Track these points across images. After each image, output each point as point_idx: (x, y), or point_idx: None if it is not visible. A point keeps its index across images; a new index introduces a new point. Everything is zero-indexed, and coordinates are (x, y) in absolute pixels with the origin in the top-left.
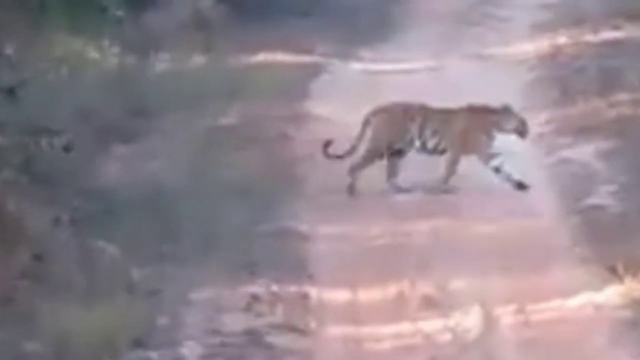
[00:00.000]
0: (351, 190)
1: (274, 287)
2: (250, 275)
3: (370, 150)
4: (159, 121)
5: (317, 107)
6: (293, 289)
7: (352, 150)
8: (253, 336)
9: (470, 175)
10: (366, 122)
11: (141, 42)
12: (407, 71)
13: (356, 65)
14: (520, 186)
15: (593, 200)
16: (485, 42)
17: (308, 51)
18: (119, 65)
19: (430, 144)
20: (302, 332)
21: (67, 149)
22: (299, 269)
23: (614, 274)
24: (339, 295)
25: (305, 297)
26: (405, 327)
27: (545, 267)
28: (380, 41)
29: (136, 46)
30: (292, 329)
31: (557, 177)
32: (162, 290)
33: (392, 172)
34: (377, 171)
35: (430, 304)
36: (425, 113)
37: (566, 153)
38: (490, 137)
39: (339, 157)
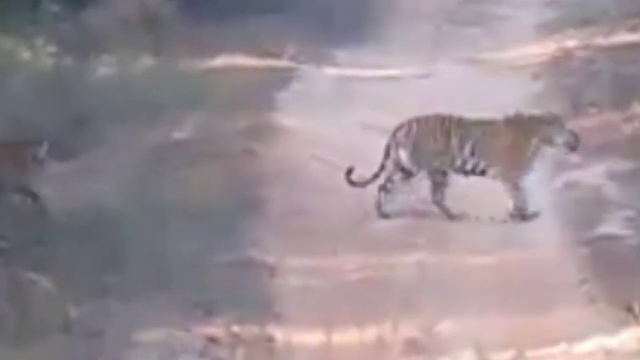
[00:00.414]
0: (382, 214)
1: (235, 328)
2: (207, 314)
3: (405, 169)
4: (101, 134)
5: (285, 118)
6: (256, 330)
7: (380, 173)
8: None
9: (460, 199)
10: (393, 139)
11: (80, 42)
12: (389, 78)
13: (330, 71)
14: (527, 217)
15: (605, 229)
16: (481, 45)
17: (275, 54)
18: (55, 68)
19: (470, 164)
20: None
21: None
22: (263, 306)
23: (630, 314)
24: (310, 338)
25: (270, 339)
26: None
27: (549, 307)
28: (358, 43)
29: (75, 46)
30: None
31: (563, 201)
32: (103, 330)
33: (437, 195)
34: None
35: (415, 349)
36: (463, 126)
37: (575, 174)
38: (537, 154)
39: (365, 184)
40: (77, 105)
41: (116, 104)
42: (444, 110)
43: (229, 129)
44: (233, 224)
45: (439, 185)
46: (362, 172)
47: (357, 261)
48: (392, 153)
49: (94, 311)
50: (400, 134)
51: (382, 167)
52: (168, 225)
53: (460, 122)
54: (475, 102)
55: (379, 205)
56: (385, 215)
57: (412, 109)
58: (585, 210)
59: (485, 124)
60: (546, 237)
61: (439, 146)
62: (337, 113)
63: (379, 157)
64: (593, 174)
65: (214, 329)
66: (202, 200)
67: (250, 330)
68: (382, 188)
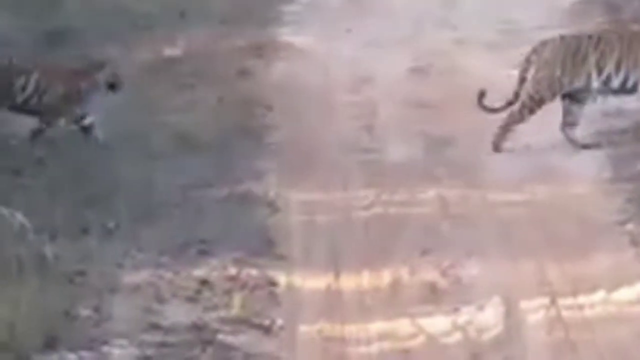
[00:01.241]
0: (496, 147)
1: (231, 270)
2: (200, 254)
3: (532, 96)
4: (83, 50)
5: (291, 35)
6: (255, 272)
7: (515, 99)
8: (202, 333)
9: (483, 128)
10: (527, 62)
11: None
12: None
13: None
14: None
15: None
16: None
17: None
18: None
19: (616, 81)
20: (266, 330)
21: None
22: (263, 246)
23: None
24: (317, 282)
25: (271, 283)
26: (402, 325)
27: (585, 249)
28: None
29: None
30: (254, 325)
31: (604, 131)
32: (83, 272)
33: (568, 121)
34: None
35: (435, 296)
36: (604, 41)
37: (616, 100)
38: None
39: (497, 110)
40: (57, 18)
41: (100, 17)
42: (463, 27)
43: (227, 46)
44: (229, 154)
45: (570, 111)
46: (374, 94)
47: (369, 196)
48: (523, 76)
49: (73, 250)
50: (533, 55)
51: (516, 95)
52: (156, 156)
53: (602, 36)
54: (501, 18)
55: (496, 146)
56: (497, 148)
57: (431, 25)
58: (629, 142)
59: (631, 35)
60: (584, 171)
61: (572, 64)
62: (350, 29)
63: (395, 77)
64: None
65: (208, 271)
66: (196, 127)
67: (249, 272)
68: (508, 121)
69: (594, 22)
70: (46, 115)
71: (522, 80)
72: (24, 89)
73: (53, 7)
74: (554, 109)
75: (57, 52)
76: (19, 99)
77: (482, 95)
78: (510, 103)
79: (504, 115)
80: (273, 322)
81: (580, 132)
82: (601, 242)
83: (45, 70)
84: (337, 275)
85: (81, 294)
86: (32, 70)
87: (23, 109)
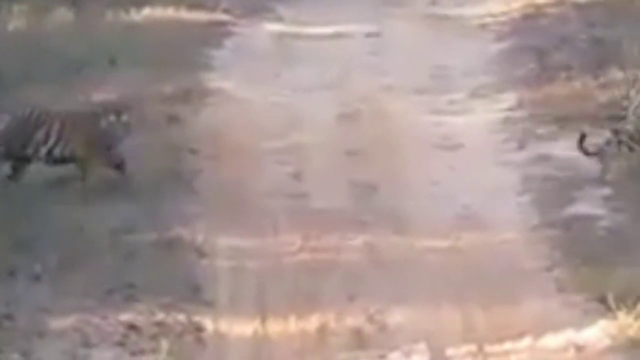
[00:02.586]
0: (602, 179)
1: (159, 316)
2: (127, 300)
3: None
4: (11, 96)
5: (219, 80)
6: (183, 318)
7: (621, 138)
8: None
9: (408, 174)
10: (635, 82)
11: None
12: (336, 36)
13: (271, 27)
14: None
15: (578, 208)
16: None
17: (209, 7)
18: None
19: None
20: None
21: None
22: (191, 292)
23: (602, 305)
24: (244, 328)
25: (198, 329)
26: None
27: (512, 296)
28: None
29: None
30: None
31: (530, 177)
32: (10, 316)
33: None
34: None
35: (362, 342)
36: None
37: (544, 146)
38: None
39: (596, 154)
40: None
41: (28, 61)
42: (394, 72)
43: (155, 92)
44: (157, 199)
45: None
46: (302, 140)
47: (297, 242)
48: (632, 98)
49: (0, 293)
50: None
51: (616, 132)
52: (85, 199)
53: None
54: (430, 64)
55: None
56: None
57: (360, 71)
58: (556, 187)
59: None
60: (510, 217)
61: None
62: (276, 74)
63: (323, 123)
64: (564, 146)
65: (135, 316)
66: (125, 172)
67: (176, 318)
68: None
69: (524, 69)
70: (78, 163)
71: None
72: (45, 141)
73: None
74: (480, 152)
75: None
76: (42, 150)
77: (583, 138)
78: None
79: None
80: None
81: (508, 177)
82: (527, 289)
83: (65, 119)
84: (264, 320)
85: (9, 338)
86: (53, 121)
87: (52, 159)
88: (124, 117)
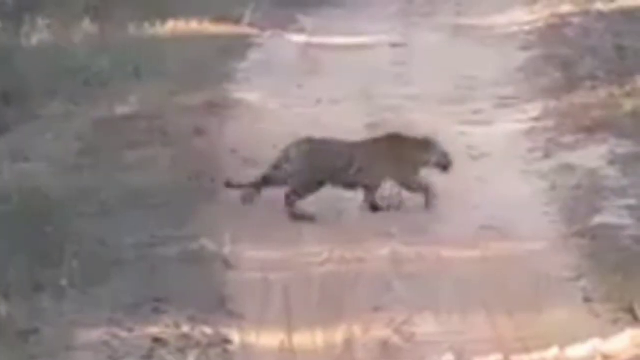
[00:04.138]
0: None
1: (185, 328)
2: (153, 312)
3: None
4: (34, 109)
5: (243, 92)
6: (209, 330)
7: None
8: None
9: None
10: None
11: (12, 4)
12: (361, 46)
13: (295, 38)
14: None
15: (604, 218)
16: (464, 9)
17: (233, 19)
18: None
19: None
20: None
21: None
22: (217, 304)
23: (629, 315)
24: (270, 340)
25: (225, 341)
26: None
27: (538, 306)
28: (327, 6)
29: (6, 9)
30: None
31: (556, 188)
32: (37, 330)
33: None
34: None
35: (388, 353)
36: None
37: (569, 157)
38: None
39: None
40: (7, 77)
41: (52, 74)
42: (420, 83)
43: (179, 104)
44: (184, 211)
45: None
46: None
47: (323, 253)
48: None
49: (26, 308)
50: None
51: None
52: (110, 213)
53: None
54: (455, 74)
55: None
56: None
57: (385, 81)
58: (582, 197)
59: None
60: (537, 227)
61: None
62: (301, 86)
63: (349, 134)
64: (591, 156)
65: (162, 329)
66: (149, 184)
67: (203, 330)
68: None
69: (549, 78)
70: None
71: None
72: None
73: (5, 64)
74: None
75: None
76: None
77: None
78: None
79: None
80: None
81: (534, 187)
82: (554, 299)
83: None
84: (290, 333)
85: (35, 353)
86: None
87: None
88: None
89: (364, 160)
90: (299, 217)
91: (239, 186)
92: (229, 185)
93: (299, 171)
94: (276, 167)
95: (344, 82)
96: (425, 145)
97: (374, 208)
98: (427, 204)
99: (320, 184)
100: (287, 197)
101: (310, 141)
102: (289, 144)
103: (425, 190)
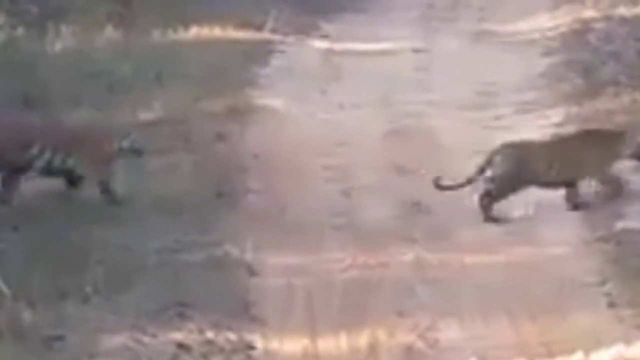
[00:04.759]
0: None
1: (209, 334)
2: (177, 318)
3: None
4: (59, 115)
5: (266, 98)
6: (233, 336)
7: None
8: None
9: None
10: None
11: (37, 12)
12: (383, 53)
13: (318, 44)
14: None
15: (627, 223)
16: (487, 15)
17: (255, 26)
18: (8, 41)
19: None
20: None
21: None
22: (241, 310)
23: None
24: (294, 345)
25: (249, 347)
26: None
27: (562, 311)
28: (349, 12)
29: (30, 17)
30: None
31: (580, 194)
32: (62, 336)
33: None
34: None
35: (413, 357)
36: None
37: None
38: None
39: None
40: (33, 83)
41: (76, 81)
42: (442, 89)
43: (202, 110)
44: (207, 217)
45: None
46: (350, 156)
47: (346, 258)
48: None
49: (50, 315)
50: None
51: None
52: (134, 219)
53: None
54: (476, 80)
55: None
56: None
57: (407, 87)
58: (604, 202)
59: None
60: (561, 233)
61: None
62: (323, 91)
63: (371, 140)
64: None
65: (185, 335)
66: (173, 190)
67: (227, 336)
68: None
69: (571, 84)
70: (73, 179)
71: None
72: (41, 152)
73: (29, 70)
74: None
75: (34, 115)
76: (39, 162)
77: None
78: None
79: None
80: None
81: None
82: (578, 303)
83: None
84: (314, 338)
85: (59, 358)
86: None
87: (48, 172)
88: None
89: (563, 159)
90: (491, 219)
91: (449, 187)
92: (438, 186)
93: (499, 175)
94: (481, 170)
95: (366, 87)
96: (620, 136)
97: (576, 206)
98: (615, 196)
99: (520, 186)
100: (481, 199)
101: (513, 146)
102: (494, 149)
103: (616, 182)
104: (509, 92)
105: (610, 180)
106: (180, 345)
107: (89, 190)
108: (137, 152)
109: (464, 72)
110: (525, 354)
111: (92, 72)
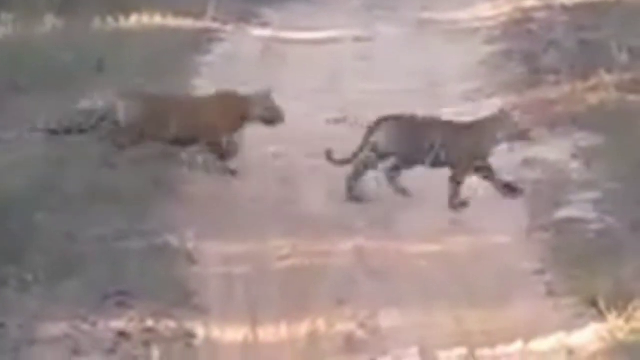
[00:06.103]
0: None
1: (149, 322)
2: (118, 306)
3: None
4: None
5: (207, 86)
6: (174, 325)
7: None
8: None
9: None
10: None
11: None
12: (325, 41)
13: (258, 32)
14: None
15: (568, 212)
16: (429, 3)
17: (196, 13)
18: None
19: None
20: None
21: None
22: (181, 298)
23: (593, 308)
24: (234, 334)
25: (189, 335)
26: None
27: (503, 300)
28: (291, 1)
29: None
30: None
31: (519, 181)
32: (3, 324)
33: None
34: (280, 170)
35: (353, 347)
36: None
37: (534, 150)
38: None
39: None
40: None
41: (15, 70)
42: (384, 77)
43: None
44: (146, 205)
45: None
46: (293, 144)
47: (286, 247)
48: None
49: None
50: None
51: None
52: (73, 208)
53: None
54: (419, 68)
55: None
56: None
57: (350, 76)
58: (546, 191)
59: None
60: (501, 221)
61: None
62: (265, 80)
63: (313, 129)
64: (555, 149)
65: (126, 323)
66: (112, 179)
67: (167, 324)
68: None
69: (513, 73)
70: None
71: None
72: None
73: None
74: None
75: None
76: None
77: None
78: None
79: None
80: None
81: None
82: (519, 292)
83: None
84: (254, 327)
85: None
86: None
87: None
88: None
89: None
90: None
91: (340, 162)
92: (329, 159)
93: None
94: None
95: (309, 76)
96: (499, 119)
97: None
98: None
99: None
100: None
101: (397, 119)
102: (375, 122)
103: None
104: (452, 81)
105: (483, 168)
106: (121, 334)
107: (23, 178)
108: (270, 122)
109: (406, 61)
110: (465, 342)
111: (32, 60)
